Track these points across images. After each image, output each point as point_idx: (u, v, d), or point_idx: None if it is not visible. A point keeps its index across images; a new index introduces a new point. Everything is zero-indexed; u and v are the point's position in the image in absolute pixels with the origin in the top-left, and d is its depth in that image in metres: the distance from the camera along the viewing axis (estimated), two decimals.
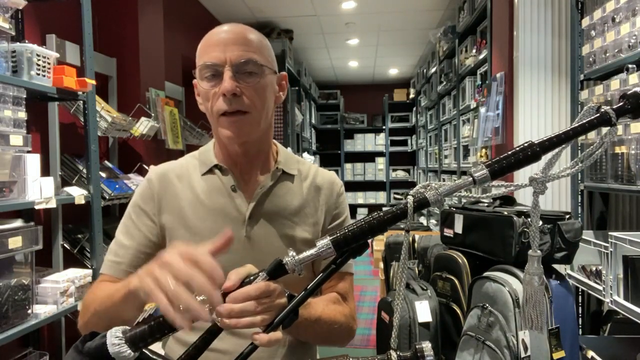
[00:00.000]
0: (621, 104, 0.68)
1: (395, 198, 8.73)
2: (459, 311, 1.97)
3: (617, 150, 1.85)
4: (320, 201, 1.08)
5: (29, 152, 1.86)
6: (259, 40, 0.99)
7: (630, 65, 1.81)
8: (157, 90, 3.18)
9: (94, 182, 2.25)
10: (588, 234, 2.05)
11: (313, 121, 7.81)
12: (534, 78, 2.81)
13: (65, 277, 2.02)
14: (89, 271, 2.17)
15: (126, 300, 0.78)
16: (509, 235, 1.77)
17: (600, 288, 1.82)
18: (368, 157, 8.92)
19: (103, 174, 2.48)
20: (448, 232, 2.12)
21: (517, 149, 0.66)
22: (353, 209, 8.49)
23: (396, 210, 0.67)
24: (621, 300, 1.67)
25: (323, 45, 6.39)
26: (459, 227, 2.05)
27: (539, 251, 0.68)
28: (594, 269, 1.93)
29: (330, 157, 8.84)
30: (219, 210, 1.01)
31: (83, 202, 2.16)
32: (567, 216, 1.80)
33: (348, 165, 8.89)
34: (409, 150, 8.76)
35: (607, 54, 1.98)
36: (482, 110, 3.44)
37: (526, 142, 0.66)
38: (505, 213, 1.83)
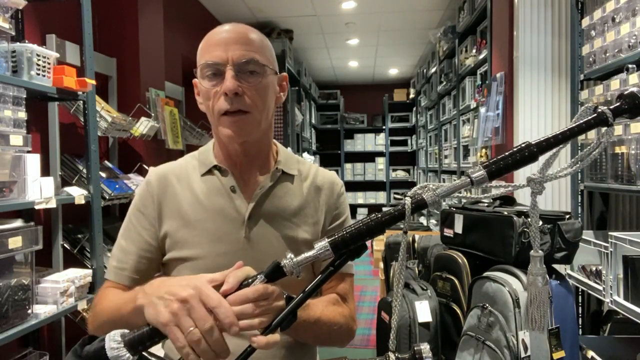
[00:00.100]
0: (618, 104, 0.69)
1: (395, 198, 8.73)
2: (459, 311, 1.97)
3: (617, 150, 1.85)
4: (321, 201, 1.08)
5: (29, 152, 1.86)
6: (260, 40, 0.99)
7: (630, 65, 1.81)
8: (157, 90, 3.18)
9: (94, 182, 2.25)
10: (588, 234, 2.05)
11: (313, 121, 7.81)
12: (534, 78, 2.81)
13: (65, 277, 2.02)
14: (89, 271, 2.17)
15: (134, 314, 0.79)
16: (509, 235, 1.77)
17: (600, 288, 1.82)
18: (368, 157, 8.92)
19: (103, 174, 2.48)
20: (448, 232, 2.12)
21: (515, 149, 0.67)
22: (353, 209, 8.49)
23: (394, 212, 0.68)
24: (621, 300, 1.67)
25: (323, 45, 6.39)
26: (459, 227, 2.05)
27: (540, 251, 0.68)
28: (594, 269, 1.93)
29: (330, 157, 8.84)
30: (218, 211, 1.01)
31: (83, 202, 2.16)
32: (567, 216, 1.80)
33: (348, 165, 8.89)
34: (409, 150, 8.76)
35: (607, 54, 1.98)
36: (482, 110, 3.44)
37: (523, 143, 0.66)
38: (505, 213, 1.83)
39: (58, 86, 1.99)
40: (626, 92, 0.68)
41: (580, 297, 2.27)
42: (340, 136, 8.86)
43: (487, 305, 1.64)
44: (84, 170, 2.28)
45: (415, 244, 2.58)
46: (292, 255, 0.69)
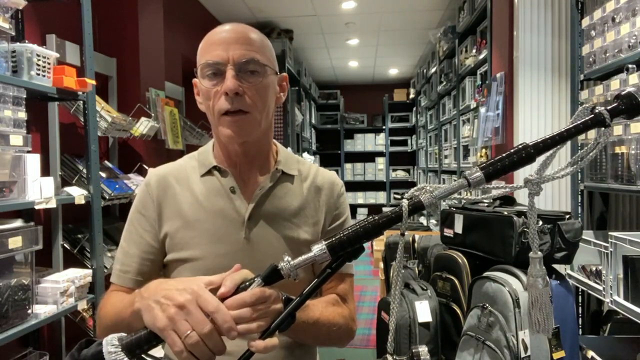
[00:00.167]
0: (615, 104, 0.68)
1: (395, 198, 8.73)
2: (459, 311, 1.97)
3: (617, 150, 1.85)
4: (321, 202, 1.08)
5: (29, 152, 1.86)
6: (261, 40, 0.99)
7: (630, 65, 1.81)
8: (157, 90, 3.18)
9: (94, 182, 2.25)
10: (588, 234, 2.05)
11: (313, 121, 7.81)
12: (534, 78, 2.81)
13: (65, 277, 2.02)
14: (89, 271, 2.17)
15: (133, 318, 0.79)
16: (509, 235, 1.77)
17: (600, 288, 1.82)
18: (368, 157, 8.92)
19: (103, 174, 2.48)
20: (448, 232, 2.12)
21: (512, 150, 0.66)
22: (353, 209, 8.49)
23: (391, 214, 0.68)
24: (621, 300, 1.67)
25: (323, 45, 6.39)
26: (459, 227, 2.05)
27: (539, 253, 0.68)
28: (594, 269, 1.93)
29: (330, 157, 8.84)
30: (218, 212, 1.00)
31: (83, 202, 2.16)
32: (567, 216, 1.80)
33: (348, 165, 8.89)
34: (409, 150, 8.76)
35: (607, 54, 1.98)
36: (482, 110, 3.44)
37: (521, 144, 0.66)
38: (505, 213, 1.83)
39: (58, 86, 1.99)
40: (623, 93, 0.68)
41: (580, 297, 2.27)
42: (340, 136, 8.86)
43: (487, 305, 1.64)
44: (84, 170, 2.28)
45: (415, 244, 2.58)
46: (289, 259, 0.69)
